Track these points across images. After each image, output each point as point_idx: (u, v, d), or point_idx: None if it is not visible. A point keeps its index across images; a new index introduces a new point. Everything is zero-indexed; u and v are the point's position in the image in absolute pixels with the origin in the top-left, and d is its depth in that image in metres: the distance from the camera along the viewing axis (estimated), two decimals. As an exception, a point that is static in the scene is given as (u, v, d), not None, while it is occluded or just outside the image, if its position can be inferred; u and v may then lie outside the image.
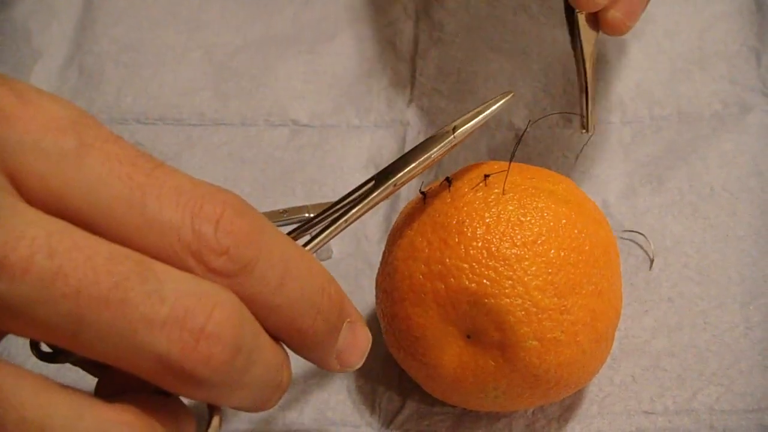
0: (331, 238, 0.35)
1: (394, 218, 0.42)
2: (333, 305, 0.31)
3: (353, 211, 0.35)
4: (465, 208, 0.37)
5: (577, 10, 0.40)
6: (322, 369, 0.32)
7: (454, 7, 0.54)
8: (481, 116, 0.37)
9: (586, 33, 0.40)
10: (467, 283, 0.35)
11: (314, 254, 0.44)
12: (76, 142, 0.26)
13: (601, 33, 0.41)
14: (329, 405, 0.41)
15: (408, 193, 0.47)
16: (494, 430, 0.40)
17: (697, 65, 0.51)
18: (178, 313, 0.26)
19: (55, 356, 0.30)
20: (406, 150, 0.49)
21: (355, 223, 0.46)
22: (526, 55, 0.52)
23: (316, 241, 0.35)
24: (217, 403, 0.29)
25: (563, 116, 0.50)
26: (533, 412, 0.40)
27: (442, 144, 0.36)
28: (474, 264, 0.35)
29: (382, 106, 0.51)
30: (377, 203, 0.36)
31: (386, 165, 0.51)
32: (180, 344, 0.26)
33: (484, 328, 0.36)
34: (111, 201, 0.26)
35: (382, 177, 0.36)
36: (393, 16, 0.55)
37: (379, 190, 0.36)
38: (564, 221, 0.36)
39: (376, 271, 0.40)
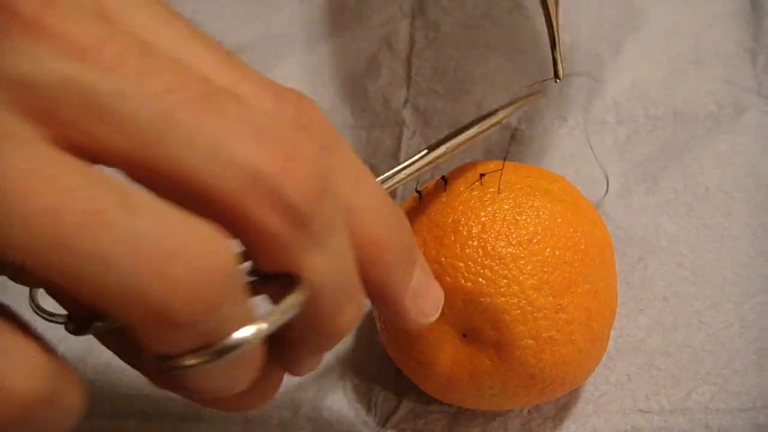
0: None
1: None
2: (406, 229, 0.29)
3: (404, 172, 0.35)
4: (460, 207, 0.37)
5: None
6: (396, 317, 0.30)
7: (450, 7, 0.54)
8: (519, 104, 0.39)
9: None
10: (463, 282, 0.35)
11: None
12: (165, 9, 0.26)
13: None
14: (325, 404, 0.41)
15: (404, 192, 0.47)
16: (490, 429, 0.40)
17: (693, 65, 0.51)
18: (266, 133, 0.24)
19: (81, 328, 0.28)
20: (402, 150, 0.50)
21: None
22: (522, 54, 0.52)
23: None
24: (299, 260, 0.25)
25: (559, 116, 0.50)
26: (529, 411, 0.40)
27: (484, 122, 0.37)
28: (469, 263, 0.35)
29: (377, 106, 0.51)
30: (428, 165, 0.36)
31: (383, 164, 0.51)
32: (271, 159, 0.23)
33: (479, 326, 0.36)
34: (199, 61, 0.25)
35: (434, 146, 0.36)
36: (389, 15, 0.55)
37: (432, 155, 0.35)
38: (559, 220, 0.37)
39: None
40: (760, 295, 0.42)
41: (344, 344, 0.43)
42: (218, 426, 0.40)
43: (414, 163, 0.35)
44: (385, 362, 0.41)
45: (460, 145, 0.37)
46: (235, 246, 0.24)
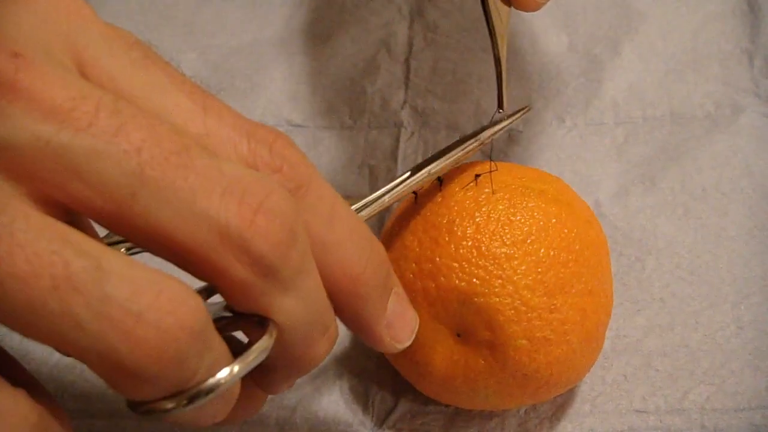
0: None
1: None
2: (381, 260, 0.30)
3: (386, 197, 0.35)
4: (455, 208, 0.37)
5: None
6: (370, 343, 0.31)
7: (449, 9, 0.55)
8: (504, 123, 0.40)
9: (498, 7, 0.39)
10: (457, 281, 0.35)
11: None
12: (142, 55, 0.27)
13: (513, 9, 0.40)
14: (322, 404, 0.41)
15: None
16: (487, 429, 0.40)
17: (690, 66, 0.51)
18: (236, 186, 0.25)
19: None
20: (400, 151, 0.50)
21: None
22: (519, 56, 0.52)
23: None
24: (270, 308, 0.26)
25: (557, 116, 0.50)
26: (525, 411, 0.40)
27: (469, 142, 0.38)
28: (464, 263, 0.36)
29: (376, 107, 0.52)
30: (410, 191, 0.36)
31: (381, 165, 0.51)
32: (239, 214, 0.25)
33: (474, 326, 0.36)
34: (173, 109, 0.26)
35: (416, 168, 0.37)
36: (387, 17, 0.55)
37: (414, 177, 0.36)
38: (554, 220, 0.37)
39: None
40: (757, 295, 0.43)
41: (341, 344, 0.43)
42: (215, 425, 0.41)
43: (396, 187, 0.36)
44: (382, 362, 0.41)
45: (443, 169, 0.37)
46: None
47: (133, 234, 0.25)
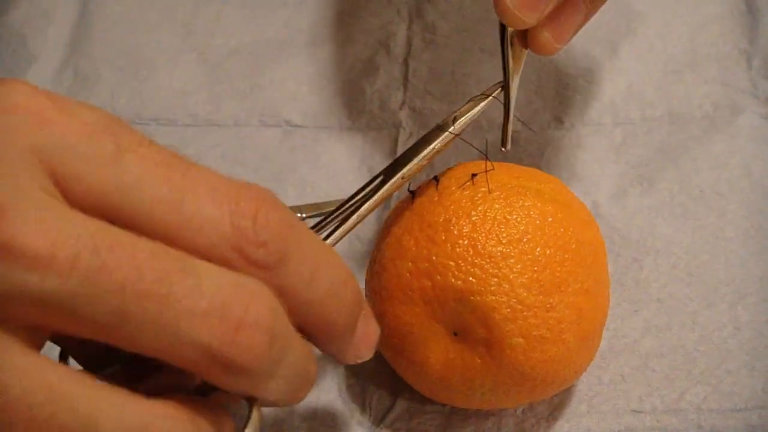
0: (345, 235, 0.36)
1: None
2: (355, 297, 0.32)
3: (365, 206, 0.37)
4: (452, 207, 0.37)
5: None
6: (338, 362, 0.33)
7: (447, 10, 0.55)
8: (478, 107, 0.39)
9: (515, 49, 0.39)
10: (453, 280, 0.36)
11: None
12: (114, 146, 0.28)
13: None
14: (320, 404, 0.41)
15: (398, 192, 0.47)
16: (484, 429, 0.40)
17: (689, 67, 0.51)
18: (216, 305, 0.27)
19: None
20: (399, 152, 0.50)
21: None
22: (518, 57, 0.52)
23: (331, 238, 0.36)
24: (255, 393, 0.29)
25: (555, 117, 0.50)
26: (522, 411, 0.40)
27: (443, 136, 0.38)
28: (460, 262, 0.36)
29: (374, 108, 0.52)
30: (387, 197, 0.37)
31: (380, 167, 0.51)
32: (220, 334, 0.27)
33: (470, 325, 0.36)
34: (150, 201, 0.27)
35: (390, 171, 0.38)
36: (386, 18, 0.55)
37: (388, 184, 0.37)
38: (550, 219, 0.37)
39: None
40: (754, 296, 0.43)
41: (340, 345, 0.43)
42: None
43: (368, 196, 0.37)
44: (380, 362, 0.41)
45: (416, 169, 0.38)
46: None
47: (123, 347, 0.27)
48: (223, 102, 0.53)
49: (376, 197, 0.37)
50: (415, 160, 0.38)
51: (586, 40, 0.52)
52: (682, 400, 0.40)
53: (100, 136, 0.27)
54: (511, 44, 0.38)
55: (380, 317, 0.38)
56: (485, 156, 0.38)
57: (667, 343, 0.42)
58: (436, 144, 0.38)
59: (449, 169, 0.39)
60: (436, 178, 0.39)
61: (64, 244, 0.25)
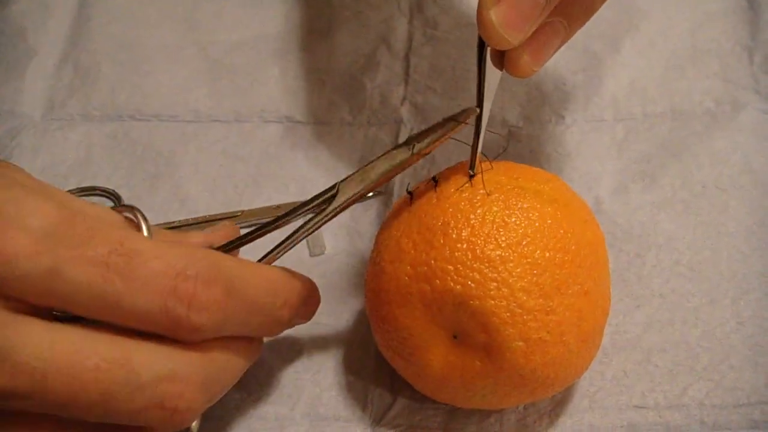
0: (287, 251, 0.38)
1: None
2: (291, 310, 0.37)
3: (314, 221, 0.37)
4: (450, 209, 0.36)
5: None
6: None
7: (448, 5, 0.54)
8: (447, 134, 0.37)
9: (491, 69, 0.37)
10: (452, 285, 0.35)
11: (309, 251, 0.46)
12: (51, 261, 0.30)
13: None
14: (321, 401, 0.41)
15: (399, 191, 0.47)
16: (485, 426, 0.40)
17: (691, 63, 0.51)
18: (155, 401, 0.32)
19: None
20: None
21: (348, 219, 0.47)
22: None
23: (270, 256, 0.38)
24: None
25: (557, 113, 0.50)
26: (524, 407, 0.40)
27: (407, 157, 0.38)
28: (459, 266, 0.35)
29: (375, 104, 0.51)
30: (342, 211, 0.38)
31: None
32: (159, 421, 0.32)
33: (469, 329, 0.36)
34: (91, 301, 0.31)
35: (347, 186, 0.38)
36: (387, 13, 0.55)
37: (342, 200, 0.37)
38: (549, 221, 0.36)
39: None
40: (756, 291, 0.43)
41: (340, 343, 0.43)
42: (215, 422, 0.41)
43: (325, 204, 0.38)
44: (381, 360, 0.41)
45: (383, 177, 0.38)
46: None
47: None
48: (224, 98, 0.53)
49: (328, 210, 0.37)
50: (374, 176, 0.37)
51: (587, 36, 0.52)
52: (684, 396, 0.40)
53: (38, 254, 0.30)
54: (486, 62, 0.37)
55: (380, 319, 0.38)
56: (484, 155, 0.38)
57: (669, 339, 0.42)
58: (396, 161, 0.38)
59: (448, 169, 0.39)
60: (434, 179, 0.38)
61: (13, 380, 0.30)
